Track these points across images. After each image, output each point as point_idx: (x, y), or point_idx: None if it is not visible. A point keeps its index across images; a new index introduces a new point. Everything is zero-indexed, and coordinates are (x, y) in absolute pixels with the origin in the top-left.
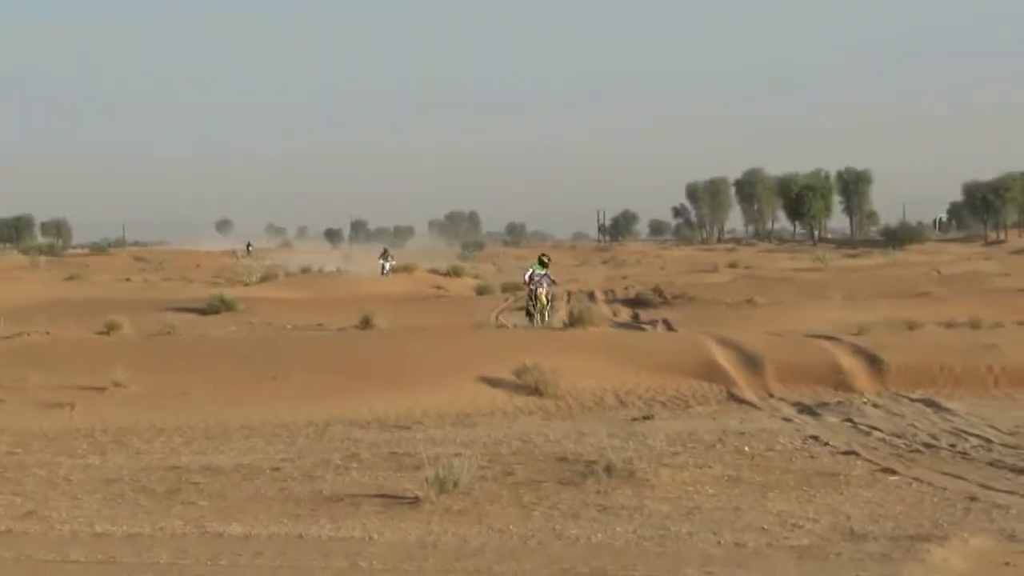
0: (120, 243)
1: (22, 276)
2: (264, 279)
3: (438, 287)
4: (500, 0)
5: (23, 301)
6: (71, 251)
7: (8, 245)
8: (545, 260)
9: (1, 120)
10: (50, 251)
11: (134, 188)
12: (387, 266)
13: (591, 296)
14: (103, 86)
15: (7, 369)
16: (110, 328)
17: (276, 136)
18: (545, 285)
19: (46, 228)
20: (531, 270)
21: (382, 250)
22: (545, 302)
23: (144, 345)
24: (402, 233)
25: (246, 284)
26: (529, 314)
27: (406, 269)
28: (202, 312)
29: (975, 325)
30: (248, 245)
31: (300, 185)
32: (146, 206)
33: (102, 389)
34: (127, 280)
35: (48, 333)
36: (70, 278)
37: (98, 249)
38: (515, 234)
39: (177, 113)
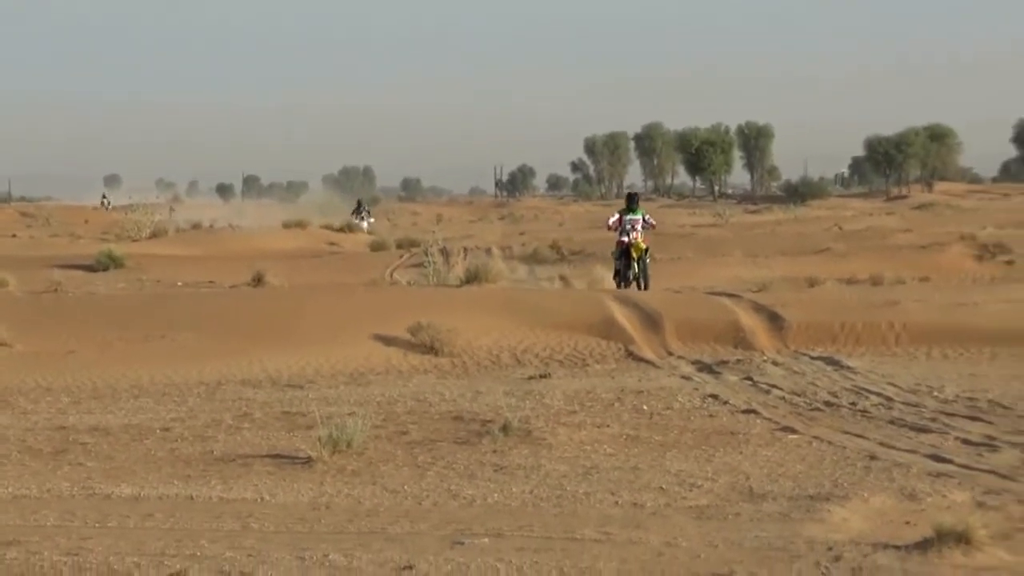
0: (5, 198)
1: None
2: (154, 235)
3: (332, 243)
4: None
5: None
6: None
7: None
8: (636, 199)
9: None
10: None
11: (18, 140)
12: (366, 223)
13: (488, 252)
14: None
15: None
16: None
17: (165, 87)
18: (639, 230)
19: None
20: (618, 215)
21: (355, 203)
22: (643, 247)
23: (30, 303)
24: (295, 188)
25: (135, 240)
26: (619, 274)
27: (298, 224)
28: (90, 269)
29: (876, 282)
30: (171, 210)
31: (190, 138)
32: (31, 160)
33: None
34: (13, 236)
35: None
36: None
37: None
38: (410, 189)
39: (63, 57)
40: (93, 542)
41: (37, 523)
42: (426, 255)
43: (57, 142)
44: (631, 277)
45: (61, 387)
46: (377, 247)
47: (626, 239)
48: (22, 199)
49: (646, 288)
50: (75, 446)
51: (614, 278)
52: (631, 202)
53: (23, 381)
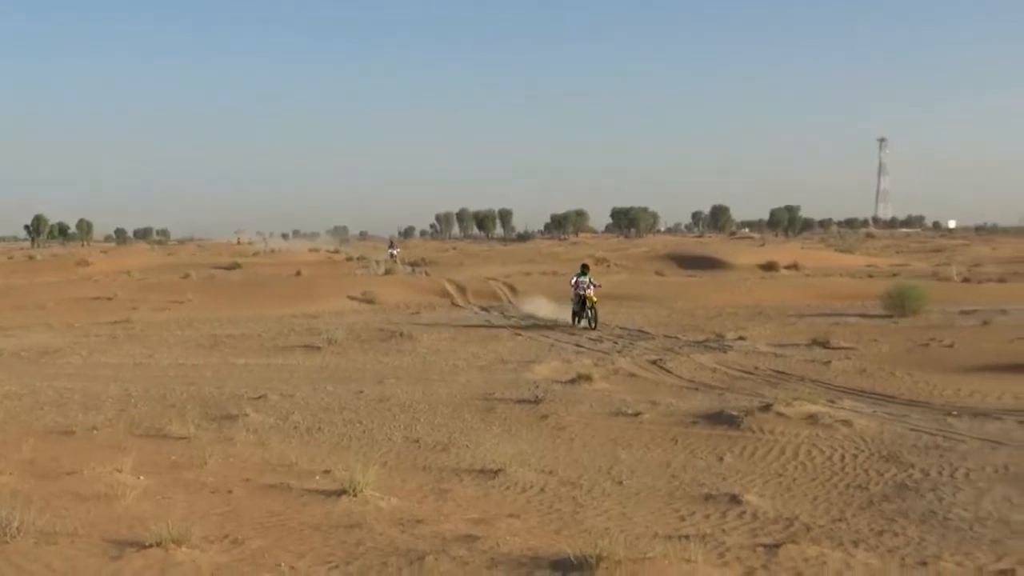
0: (189, 239)
1: (147, 254)
2: (254, 254)
3: (330, 257)
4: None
5: (147, 265)
6: (169, 243)
7: (139, 240)
8: (586, 269)
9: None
10: (159, 243)
11: (204, 214)
12: (394, 252)
13: (394, 262)
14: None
15: (143, 293)
16: (186, 275)
17: (272, 186)
18: (591, 289)
19: (158, 232)
20: (575, 278)
21: (389, 241)
22: (594, 300)
23: (200, 282)
24: (312, 235)
25: (245, 256)
26: (575, 314)
27: (313, 249)
28: (227, 268)
29: (555, 274)
30: (264, 244)
31: (272, 213)
32: (205, 222)
33: (182, 302)
34: (194, 255)
35: (157, 279)
36: (169, 254)
37: (182, 242)
38: (363, 236)
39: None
40: (227, 382)
41: (203, 375)
42: (578, 302)
43: (206, 207)
44: (585, 317)
45: (214, 319)
46: (348, 259)
47: (582, 292)
48: (198, 238)
49: (595, 326)
50: (219, 343)
51: (572, 316)
52: (584, 270)
53: (198, 316)
